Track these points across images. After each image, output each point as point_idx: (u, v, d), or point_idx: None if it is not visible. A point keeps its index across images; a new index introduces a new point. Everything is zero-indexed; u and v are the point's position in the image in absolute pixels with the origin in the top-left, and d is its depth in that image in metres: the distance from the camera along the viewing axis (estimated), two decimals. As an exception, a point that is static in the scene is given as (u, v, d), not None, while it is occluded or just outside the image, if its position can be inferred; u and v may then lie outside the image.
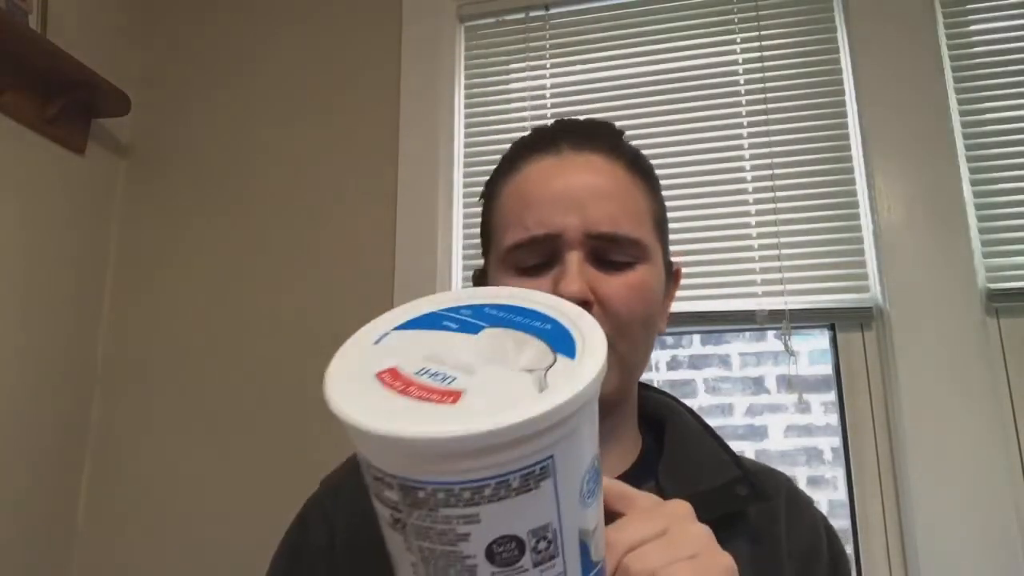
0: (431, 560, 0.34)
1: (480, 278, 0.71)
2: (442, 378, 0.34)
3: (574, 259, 0.59)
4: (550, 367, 0.35)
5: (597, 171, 0.63)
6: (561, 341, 0.37)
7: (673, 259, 0.69)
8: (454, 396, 0.33)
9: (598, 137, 0.66)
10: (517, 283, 0.62)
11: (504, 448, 0.31)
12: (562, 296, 0.56)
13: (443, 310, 0.41)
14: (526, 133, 0.70)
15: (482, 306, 0.41)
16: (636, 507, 0.45)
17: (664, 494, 0.59)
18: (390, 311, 0.42)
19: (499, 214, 0.66)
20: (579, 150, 0.64)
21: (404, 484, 0.32)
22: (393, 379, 0.35)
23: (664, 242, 0.67)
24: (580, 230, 0.60)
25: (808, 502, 0.68)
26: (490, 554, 0.33)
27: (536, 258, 0.61)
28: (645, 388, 0.72)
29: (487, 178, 0.70)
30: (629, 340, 0.60)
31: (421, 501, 0.32)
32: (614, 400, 0.63)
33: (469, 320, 0.40)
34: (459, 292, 0.43)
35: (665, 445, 0.66)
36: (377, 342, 0.40)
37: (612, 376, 0.59)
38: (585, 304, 0.58)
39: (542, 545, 0.33)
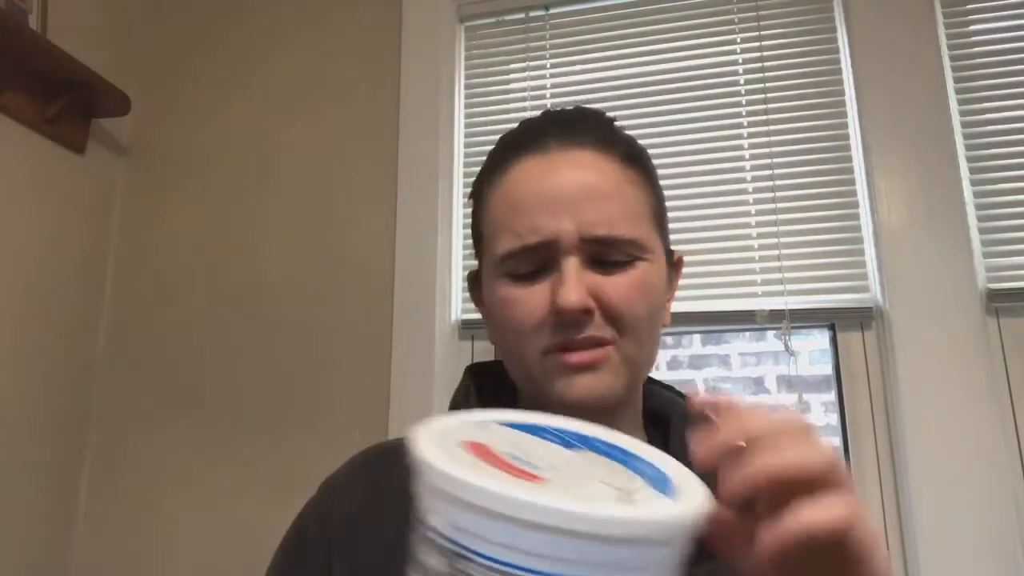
0: None
1: (475, 281, 0.69)
2: (529, 465, 0.32)
3: (571, 266, 0.57)
4: (641, 492, 0.32)
5: (588, 168, 0.60)
6: (658, 482, 0.35)
7: (674, 248, 0.67)
8: (538, 479, 0.30)
9: (587, 130, 0.62)
10: (513, 292, 0.60)
11: (580, 543, 0.27)
12: (561, 307, 0.56)
13: (551, 426, 0.40)
14: (513, 127, 0.67)
15: (590, 436, 0.40)
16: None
17: None
18: (497, 411, 0.41)
19: (489, 219, 0.63)
20: (567, 146, 0.61)
21: (456, 552, 0.29)
22: (478, 450, 0.33)
23: (663, 234, 0.64)
24: (575, 235, 0.57)
25: None
26: None
27: (531, 265, 0.59)
28: (651, 383, 0.71)
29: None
30: (635, 340, 0.59)
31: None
32: (622, 401, 0.61)
33: (572, 441, 0.39)
34: (572, 421, 0.42)
35: (669, 446, 0.64)
36: (472, 422, 0.38)
37: (620, 376, 0.59)
38: (587, 312, 0.57)
39: None
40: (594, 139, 0.61)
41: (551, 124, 0.63)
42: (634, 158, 0.63)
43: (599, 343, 0.58)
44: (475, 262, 0.69)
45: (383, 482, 0.64)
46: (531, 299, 0.59)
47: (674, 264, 0.67)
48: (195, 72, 1.69)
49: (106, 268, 1.61)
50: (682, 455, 0.62)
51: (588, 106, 0.68)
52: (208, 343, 1.52)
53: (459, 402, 0.64)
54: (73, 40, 1.46)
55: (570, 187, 0.58)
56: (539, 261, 0.59)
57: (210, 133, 1.64)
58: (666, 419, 0.67)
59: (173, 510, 1.44)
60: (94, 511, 1.48)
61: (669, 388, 0.72)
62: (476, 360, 0.95)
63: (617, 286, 0.58)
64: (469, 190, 0.69)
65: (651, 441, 0.67)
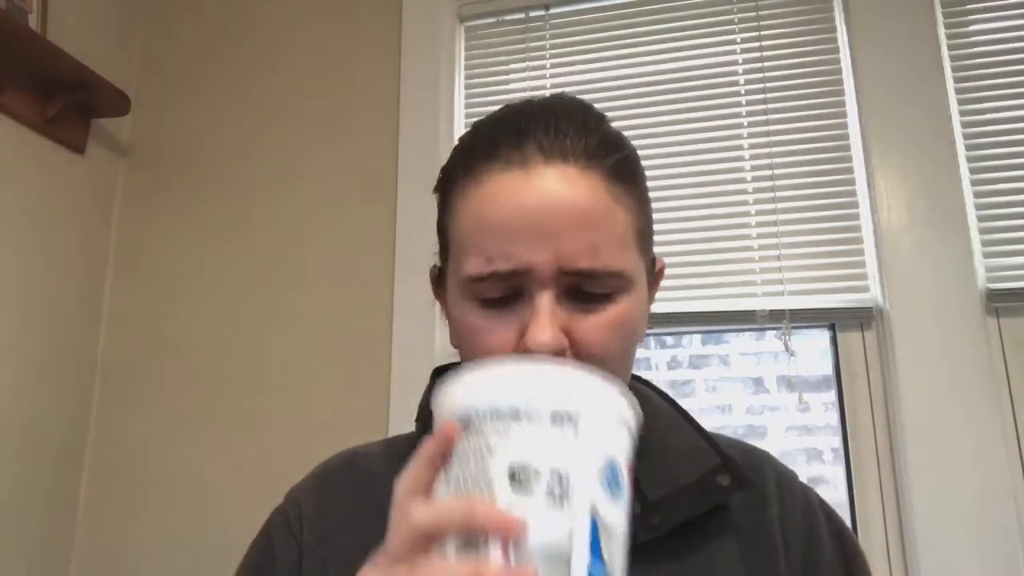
0: (459, 482, 0.39)
1: (438, 278, 0.65)
2: None
3: (545, 303, 0.51)
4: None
5: (571, 188, 0.53)
6: None
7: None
8: None
9: (573, 135, 0.55)
10: (480, 320, 0.55)
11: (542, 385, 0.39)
12: (531, 348, 0.51)
13: None
14: (491, 113, 0.60)
15: None
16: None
17: (644, 493, 0.57)
18: None
19: (457, 229, 0.58)
20: (550, 158, 0.53)
21: (463, 418, 0.39)
22: None
23: (648, 250, 0.59)
24: (552, 266, 0.51)
25: (794, 477, 0.64)
26: (511, 473, 0.37)
27: (501, 292, 0.54)
28: None
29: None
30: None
31: (472, 427, 0.39)
32: None
33: None
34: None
35: (639, 439, 0.63)
36: None
37: None
38: (558, 351, 0.52)
39: (554, 483, 0.37)
40: (581, 149, 0.54)
41: (535, 124, 0.55)
42: (624, 171, 0.56)
43: None
44: None
45: (348, 491, 0.63)
46: (499, 331, 0.54)
47: (655, 274, 0.62)
48: (195, 72, 1.69)
49: (106, 268, 1.60)
50: (653, 450, 0.59)
51: (575, 98, 0.60)
52: (208, 345, 1.52)
53: (426, 404, 0.63)
54: (73, 40, 1.46)
55: (550, 210, 0.52)
56: (510, 288, 0.53)
57: (210, 133, 1.64)
58: None
59: (173, 513, 1.44)
60: (94, 511, 1.48)
61: (636, 378, 0.68)
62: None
63: (595, 325, 0.53)
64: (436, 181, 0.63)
65: None
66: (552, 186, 0.53)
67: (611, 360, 0.54)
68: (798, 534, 0.59)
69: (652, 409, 0.63)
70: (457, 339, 0.60)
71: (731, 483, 0.56)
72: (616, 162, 0.55)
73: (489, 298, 0.54)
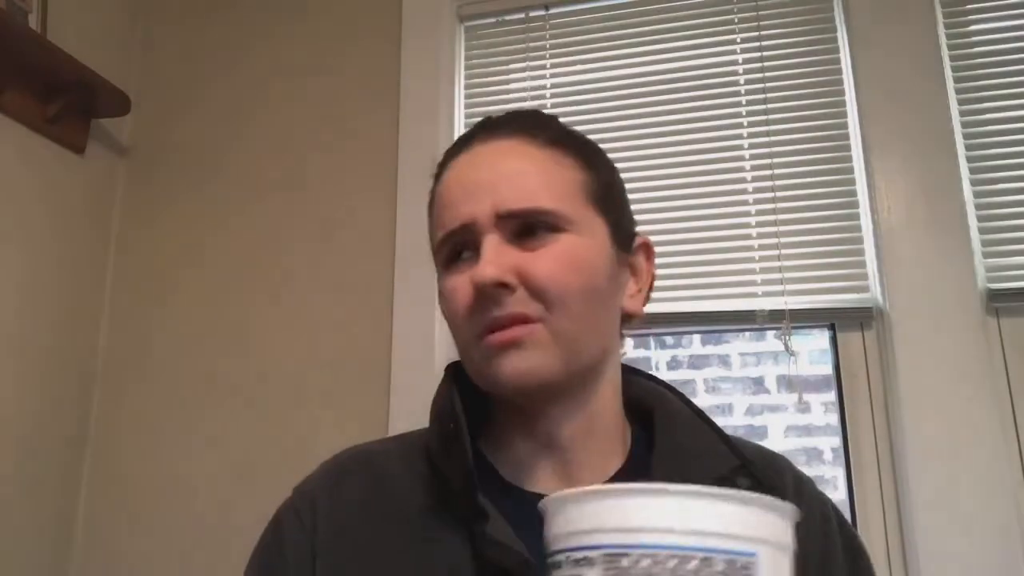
0: None
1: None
2: None
3: (488, 243, 0.57)
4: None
5: (508, 153, 0.60)
6: None
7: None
8: None
9: (512, 122, 0.63)
10: (446, 283, 0.60)
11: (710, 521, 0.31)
12: (476, 282, 0.56)
13: None
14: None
15: None
16: None
17: None
18: None
19: (429, 224, 0.65)
20: (489, 139, 0.62)
21: (609, 553, 0.31)
22: None
23: (610, 215, 0.62)
24: (490, 214, 0.57)
25: (811, 483, 0.64)
26: None
27: (456, 251, 0.60)
28: (631, 373, 0.67)
29: None
30: (566, 314, 0.56)
31: (623, 571, 0.31)
32: (567, 382, 0.58)
33: None
34: None
35: (655, 438, 0.61)
36: None
37: (550, 353, 0.56)
38: (506, 287, 0.55)
39: None
40: (518, 128, 0.62)
41: (479, 127, 0.64)
42: (562, 141, 0.62)
43: (524, 320, 0.56)
44: None
45: (364, 488, 0.62)
46: (460, 285, 0.59)
47: (635, 250, 0.64)
48: (195, 72, 1.69)
49: (106, 268, 1.60)
50: (670, 450, 0.59)
51: (539, 110, 0.69)
52: (208, 345, 1.52)
53: (442, 396, 0.62)
54: (73, 40, 1.45)
55: (488, 172, 0.59)
56: (462, 245, 0.59)
57: (210, 133, 1.64)
58: (649, 410, 0.64)
59: (173, 514, 1.44)
60: (95, 511, 1.48)
61: (652, 378, 0.68)
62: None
63: (541, 259, 0.57)
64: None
65: (636, 437, 0.64)
66: (490, 154, 0.61)
67: (567, 295, 0.56)
68: (815, 545, 0.59)
69: (669, 410, 0.63)
70: (443, 314, 0.64)
71: (750, 487, 0.55)
72: (554, 134, 0.62)
73: (450, 262, 0.61)
